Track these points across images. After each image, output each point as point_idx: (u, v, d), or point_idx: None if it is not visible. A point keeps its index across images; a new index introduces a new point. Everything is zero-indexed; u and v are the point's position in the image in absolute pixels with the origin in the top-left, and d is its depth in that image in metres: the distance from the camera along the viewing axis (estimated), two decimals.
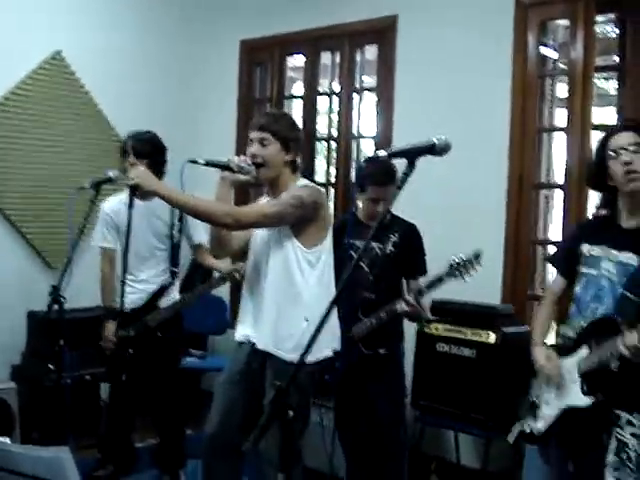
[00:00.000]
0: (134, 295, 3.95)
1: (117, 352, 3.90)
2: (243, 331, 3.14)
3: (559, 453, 2.71)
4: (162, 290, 4.05)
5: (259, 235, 3.11)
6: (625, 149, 2.56)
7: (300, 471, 3.08)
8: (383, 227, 3.63)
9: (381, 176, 3.52)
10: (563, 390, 2.62)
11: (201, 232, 4.08)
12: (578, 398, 2.56)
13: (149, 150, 3.95)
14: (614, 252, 2.61)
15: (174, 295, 4.10)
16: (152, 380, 4.07)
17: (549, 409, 2.66)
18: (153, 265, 4.05)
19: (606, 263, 2.63)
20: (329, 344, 3.05)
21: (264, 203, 3.07)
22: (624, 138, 2.59)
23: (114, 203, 4.05)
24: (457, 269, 3.29)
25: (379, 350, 3.62)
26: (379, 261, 3.63)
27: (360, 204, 3.74)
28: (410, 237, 3.68)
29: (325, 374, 3.40)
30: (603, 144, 2.65)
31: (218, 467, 3.15)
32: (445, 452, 4.55)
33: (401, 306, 3.45)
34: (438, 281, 3.38)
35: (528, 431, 2.74)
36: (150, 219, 3.98)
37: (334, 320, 3.03)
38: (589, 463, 2.58)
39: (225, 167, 3.01)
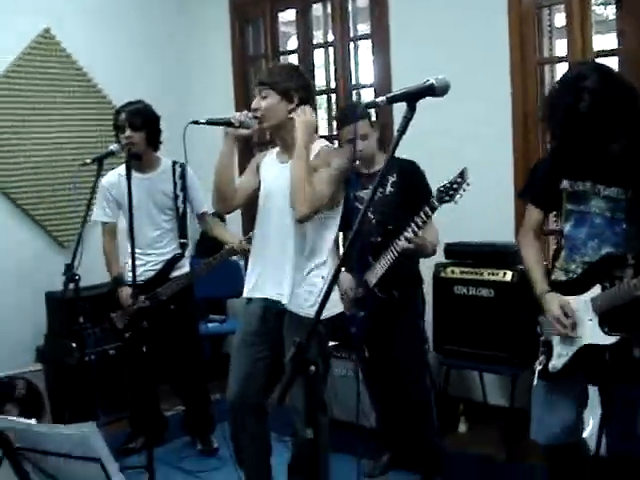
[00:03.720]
0: (143, 268, 3.96)
1: (132, 325, 3.91)
2: (258, 291, 3.13)
3: (574, 388, 2.69)
4: (172, 262, 4.05)
5: (280, 192, 3.04)
6: None
7: (327, 422, 3.10)
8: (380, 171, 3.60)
9: (342, 115, 3.56)
10: (578, 329, 2.58)
11: (201, 201, 4.09)
12: (598, 337, 2.53)
13: (144, 121, 3.92)
14: (600, 187, 2.55)
15: (185, 267, 4.10)
16: (169, 351, 4.08)
17: (565, 348, 2.62)
18: (160, 237, 4.05)
19: (595, 200, 2.57)
20: (337, 301, 3.08)
21: (316, 182, 2.95)
22: None
23: (112, 177, 4.03)
24: (445, 192, 3.26)
25: (393, 292, 3.60)
26: (379, 203, 3.60)
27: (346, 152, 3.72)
28: (409, 174, 3.63)
29: (350, 327, 3.42)
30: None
31: (244, 432, 3.17)
32: (472, 393, 4.58)
33: (401, 244, 3.41)
34: (430, 209, 3.33)
35: (541, 368, 2.71)
36: (151, 191, 3.96)
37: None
38: (621, 393, 2.59)
39: (227, 123, 3.04)
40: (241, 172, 5.65)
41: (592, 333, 2.55)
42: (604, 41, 5.13)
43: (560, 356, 2.63)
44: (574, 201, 2.63)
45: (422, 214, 3.34)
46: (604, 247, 2.57)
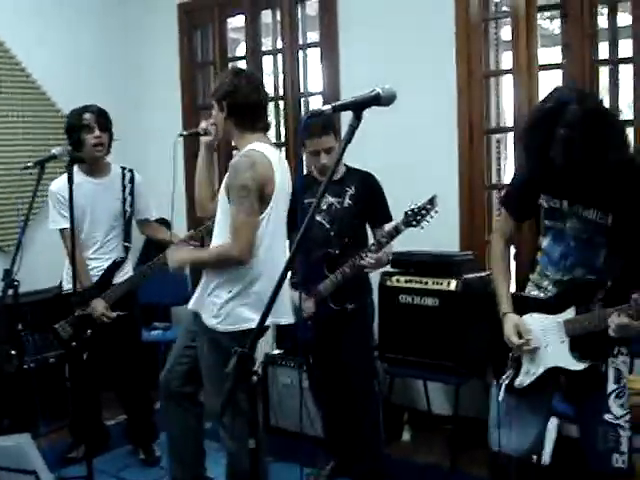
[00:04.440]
0: (90, 272, 3.90)
1: (77, 334, 3.84)
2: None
3: (539, 402, 2.71)
4: (116, 266, 4.00)
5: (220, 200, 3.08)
6: None
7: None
8: (339, 182, 3.62)
9: (315, 127, 3.50)
10: (548, 349, 2.58)
11: (149, 207, 4.12)
12: (568, 361, 2.53)
13: (109, 123, 3.94)
14: (578, 207, 2.51)
15: (128, 271, 4.06)
16: (113, 357, 4.03)
17: (533, 366, 2.61)
18: (109, 242, 4.00)
19: (572, 221, 2.54)
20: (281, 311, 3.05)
21: (234, 218, 2.91)
22: None
23: (61, 182, 3.95)
24: (413, 217, 3.28)
25: (347, 305, 3.61)
26: (338, 216, 3.61)
27: (305, 160, 3.73)
28: (367, 186, 3.65)
29: (296, 332, 3.43)
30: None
31: (172, 414, 3.31)
32: (416, 402, 4.61)
33: (365, 262, 3.44)
34: (395, 232, 3.37)
35: (508, 382, 2.70)
36: (103, 196, 3.92)
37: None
38: (590, 404, 2.59)
39: (198, 133, 3.30)
40: (188, 176, 5.65)
41: (562, 356, 2.54)
42: (549, 54, 5.22)
43: (527, 373, 2.62)
44: (551, 217, 2.61)
45: (386, 235, 3.37)
46: (576, 269, 2.56)
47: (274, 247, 3.01)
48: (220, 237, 3.01)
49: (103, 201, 3.93)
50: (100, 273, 3.96)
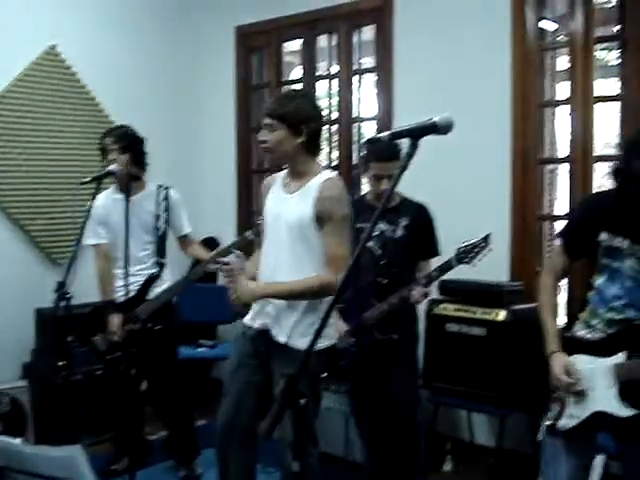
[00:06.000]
0: (128, 287, 3.94)
1: (116, 347, 3.90)
2: (259, 318, 3.10)
3: (582, 447, 2.66)
4: (149, 282, 4.04)
5: (282, 225, 3.01)
6: None
7: (316, 456, 3.06)
8: (393, 210, 3.62)
9: (383, 152, 3.49)
10: (594, 393, 2.52)
11: (186, 223, 4.15)
12: (615, 407, 2.47)
13: (129, 143, 3.97)
14: (638, 247, 2.48)
15: (163, 286, 4.09)
16: (149, 372, 4.06)
17: (578, 409, 2.56)
18: (144, 258, 4.05)
19: (631, 260, 2.50)
20: (332, 334, 3.03)
21: (336, 249, 2.88)
22: None
23: (101, 199, 4.03)
24: (465, 255, 3.28)
25: (392, 336, 3.60)
26: (391, 245, 3.61)
27: (366, 184, 3.74)
28: (421, 219, 3.66)
29: (340, 360, 3.41)
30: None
31: (233, 454, 3.12)
32: (459, 432, 4.55)
33: (413, 295, 3.44)
34: (447, 267, 3.37)
35: (550, 423, 2.64)
36: (138, 213, 3.97)
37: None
38: (637, 445, 2.54)
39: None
40: (241, 197, 5.71)
41: (609, 401, 2.49)
42: (606, 86, 5.17)
43: (572, 417, 2.57)
44: (609, 256, 2.56)
45: (438, 271, 3.37)
46: (629, 310, 2.52)
47: None
48: (299, 271, 2.94)
49: (136, 217, 3.95)
50: (136, 289, 4.01)
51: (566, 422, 2.59)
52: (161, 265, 4.11)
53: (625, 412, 2.45)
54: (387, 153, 3.48)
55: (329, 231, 2.89)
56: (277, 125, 2.94)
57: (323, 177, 2.96)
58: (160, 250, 4.10)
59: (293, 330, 2.95)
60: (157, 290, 4.05)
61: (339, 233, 2.88)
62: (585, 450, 2.68)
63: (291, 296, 2.94)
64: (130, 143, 3.98)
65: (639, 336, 2.48)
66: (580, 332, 2.66)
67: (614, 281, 2.56)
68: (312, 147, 3.00)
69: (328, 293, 2.86)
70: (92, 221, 3.99)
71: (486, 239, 3.27)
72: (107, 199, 4.02)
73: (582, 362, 2.57)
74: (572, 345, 2.63)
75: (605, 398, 2.50)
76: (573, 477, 2.65)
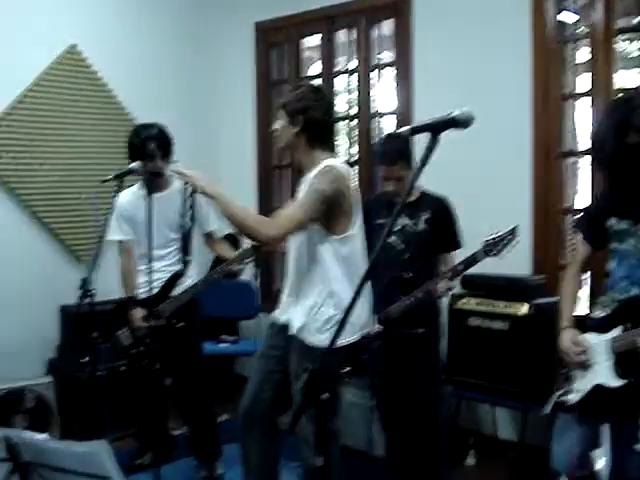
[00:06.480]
0: (152, 284, 3.95)
1: (137, 343, 3.93)
2: (281, 313, 3.13)
3: (589, 423, 2.72)
4: (174, 279, 4.06)
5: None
6: None
7: (338, 451, 3.08)
8: (413, 204, 3.61)
9: (386, 155, 3.50)
10: (595, 367, 2.60)
11: (211, 221, 4.12)
12: (609, 378, 2.55)
13: (170, 147, 3.99)
14: (639, 226, 2.54)
15: (187, 284, 4.09)
16: (173, 369, 4.08)
17: (582, 384, 2.65)
18: (168, 255, 4.06)
19: (633, 239, 2.56)
20: (354, 329, 3.01)
21: (289, 208, 2.89)
22: None
23: (127, 196, 4.05)
24: (493, 247, 3.26)
25: (417, 330, 3.60)
26: (414, 239, 3.61)
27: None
28: (442, 211, 3.65)
29: (362, 354, 3.41)
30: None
31: (253, 444, 3.16)
32: (482, 426, 4.54)
33: (440, 287, 3.44)
34: (473, 261, 3.35)
35: (559, 401, 2.73)
36: (164, 210, 3.97)
37: (358, 307, 2.99)
38: (624, 432, 2.59)
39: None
40: (262, 193, 5.73)
41: (605, 373, 2.56)
42: (627, 77, 5.12)
43: (577, 391, 2.66)
44: (617, 239, 2.62)
45: (463, 264, 3.36)
46: (633, 288, 2.56)
47: (359, 266, 2.99)
48: (302, 270, 2.99)
49: (162, 214, 3.96)
50: (160, 285, 4.02)
51: (572, 397, 2.67)
52: (186, 262, 4.12)
53: (616, 382, 2.52)
54: (389, 157, 3.49)
55: (299, 197, 2.91)
56: (281, 114, 3.01)
57: (322, 165, 2.94)
58: (185, 247, 4.11)
59: (309, 324, 2.96)
60: (181, 288, 4.06)
61: (304, 200, 2.87)
62: (592, 423, 2.73)
63: (226, 208, 2.83)
64: (169, 146, 4.00)
65: (635, 310, 2.53)
66: (596, 314, 2.73)
67: (622, 263, 2.62)
68: (313, 138, 2.99)
69: (251, 232, 2.82)
70: (118, 217, 4.03)
71: (513, 231, 3.25)
72: (133, 196, 4.03)
73: (586, 340, 2.67)
74: (580, 325, 2.72)
75: (602, 371, 2.57)
76: (583, 441, 2.73)
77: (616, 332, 2.56)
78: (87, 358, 4.21)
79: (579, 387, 2.66)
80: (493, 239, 3.26)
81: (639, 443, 2.54)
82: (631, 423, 2.55)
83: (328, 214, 2.90)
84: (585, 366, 2.63)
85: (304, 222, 2.86)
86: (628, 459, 2.57)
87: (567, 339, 2.69)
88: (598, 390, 2.59)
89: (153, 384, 3.91)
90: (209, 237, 4.21)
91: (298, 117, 2.96)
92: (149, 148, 3.91)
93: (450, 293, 3.65)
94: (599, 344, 2.61)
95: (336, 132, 3.11)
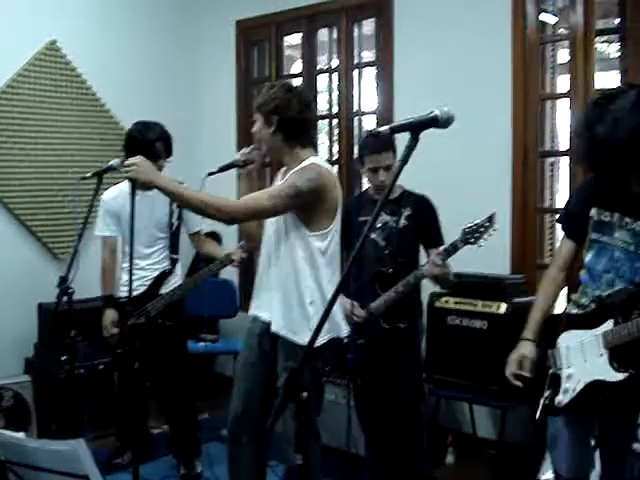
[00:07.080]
0: (137, 282, 3.94)
1: (125, 341, 3.91)
2: (258, 310, 3.12)
3: (581, 422, 2.69)
4: (162, 277, 4.05)
5: (268, 222, 3.08)
6: None
7: (319, 450, 3.08)
8: (395, 201, 3.63)
9: (376, 143, 3.50)
10: (587, 364, 2.54)
11: (198, 220, 4.10)
12: (607, 373, 2.48)
13: (172, 145, 4.02)
14: (627, 220, 2.50)
15: (175, 282, 4.10)
16: (157, 368, 4.07)
17: (572, 382, 2.58)
18: (154, 253, 4.06)
19: (620, 232, 2.52)
20: (334, 327, 3.01)
21: (259, 194, 2.93)
22: None
23: (114, 193, 4.05)
24: (471, 235, 3.26)
25: (399, 325, 3.61)
26: (394, 235, 3.62)
27: (365, 178, 3.75)
28: (423, 208, 3.66)
29: (345, 353, 3.41)
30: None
31: (244, 446, 3.14)
32: (461, 424, 4.56)
33: (427, 269, 3.42)
34: (453, 249, 3.34)
35: (547, 403, 2.69)
36: (151, 208, 3.97)
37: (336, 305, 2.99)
38: (618, 430, 2.55)
39: (235, 165, 3.14)
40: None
41: (601, 369, 2.50)
42: (606, 79, 5.17)
43: (566, 391, 2.59)
44: (598, 230, 2.58)
45: (443, 253, 3.35)
46: (618, 282, 2.53)
47: (334, 263, 3.02)
48: (279, 267, 2.99)
49: (150, 213, 3.98)
50: (148, 283, 4.02)
51: (561, 398, 2.61)
52: (174, 261, 4.12)
53: (617, 376, 2.46)
54: (380, 144, 3.50)
55: (274, 186, 2.92)
56: (256, 116, 3.02)
57: (306, 162, 2.95)
58: (173, 246, 4.12)
59: (291, 323, 2.96)
60: (169, 286, 4.06)
61: (276, 192, 2.88)
62: (584, 423, 2.69)
63: (180, 196, 2.87)
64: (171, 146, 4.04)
65: (626, 304, 2.49)
66: (572, 311, 2.68)
67: (602, 255, 2.58)
68: (290, 137, 2.99)
69: (210, 211, 2.81)
70: (104, 213, 4.03)
71: (491, 219, 3.26)
72: (121, 192, 4.01)
73: (572, 336, 2.60)
74: (565, 321, 2.66)
75: (597, 367, 2.51)
76: (573, 449, 2.68)
77: (607, 326, 2.50)
78: (65, 356, 4.22)
79: (569, 387, 2.59)
80: (471, 227, 3.27)
81: (639, 442, 2.49)
82: (630, 421, 2.50)
83: (308, 210, 2.91)
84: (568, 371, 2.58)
85: (268, 212, 2.89)
86: (626, 459, 2.50)
87: (516, 354, 2.70)
88: (594, 387, 2.52)
89: (134, 383, 3.89)
90: (195, 236, 4.20)
91: (272, 117, 2.96)
92: (158, 148, 3.92)
93: (446, 281, 3.59)
94: (587, 340, 2.54)
95: (315, 129, 3.09)
